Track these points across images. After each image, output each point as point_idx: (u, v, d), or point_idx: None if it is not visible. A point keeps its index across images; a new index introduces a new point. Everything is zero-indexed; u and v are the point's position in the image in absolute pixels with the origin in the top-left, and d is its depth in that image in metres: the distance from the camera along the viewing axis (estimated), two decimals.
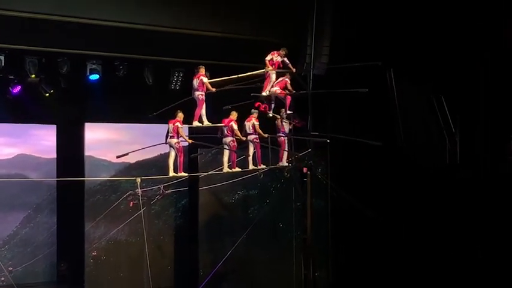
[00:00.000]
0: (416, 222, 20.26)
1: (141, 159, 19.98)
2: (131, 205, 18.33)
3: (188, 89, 18.69)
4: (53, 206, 19.57)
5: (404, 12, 19.96)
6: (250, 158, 16.81)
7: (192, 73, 18.99)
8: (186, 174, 16.87)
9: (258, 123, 16.66)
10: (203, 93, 16.00)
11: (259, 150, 16.81)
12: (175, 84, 19.47)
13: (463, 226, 19.87)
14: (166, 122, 16.19)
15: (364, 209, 18.08)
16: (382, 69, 20.11)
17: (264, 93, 16.55)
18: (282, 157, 17.17)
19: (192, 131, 17.07)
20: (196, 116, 15.99)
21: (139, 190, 16.96)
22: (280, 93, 16.66)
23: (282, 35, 18.33)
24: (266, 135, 16.78)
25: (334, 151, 20.55)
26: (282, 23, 19.03)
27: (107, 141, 20.08)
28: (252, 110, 16.81)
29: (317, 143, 17.62)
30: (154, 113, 16.83)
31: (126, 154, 17.60)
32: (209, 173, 18.79)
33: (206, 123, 16.06)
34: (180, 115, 15.98)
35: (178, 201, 20.90)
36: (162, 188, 18.97)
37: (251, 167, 16.80)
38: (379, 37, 19.93)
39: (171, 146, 16.02)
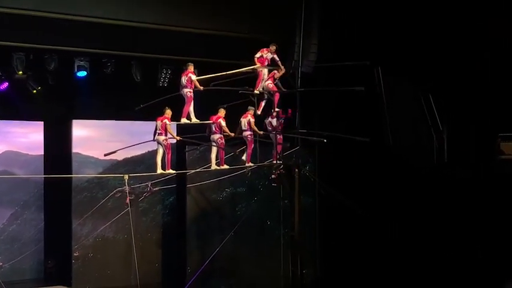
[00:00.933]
0: (404, 220, 20.31)
1: (128, 156, 19.93)
2: (127, 200, 18.30)
3: (176, 86, 18.77)
4: (40, 203, 19.52)
5: (392, 10, 20.01)
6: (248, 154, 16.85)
7: (180, 70, 19.04)
8: (174, 172, 16.88)
9: (253, 120, 16.67)
10: (191, 91, 16.00)
11: (251, 148, 16.82)
12: (163, 81, 19.45)
13: (450, 224, 19.95)
14: (154, 119, 16.17)
15: (352, 206, 18.12)
16: (370, 67, 20.14)
17: (256, 91, 16.57)
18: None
19: (180, 128, 17.04)
20: (185, 113, 15.98)
21: (127, 187, 16.94)
22: (272, 88, 16.65)
23: (270, 32, 18.33)
24: (261, 133, 16.81)
25: (322, 148, 20.54)
26: (270, 21, 19.05)
27: (94, 138, 20.00)
28: (249, 107, 16.82)
29: (305, 141, 17.64)
30: (141, 105, 16.78)
31: (114, 152, 17.59)
32: (197, 170, 18.80)
33: (194, 120, 16.06)
34: (168, 112, 15.98)
35: (166, 198, 20.87)
36: (149, 185, 18.94)
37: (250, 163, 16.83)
38: (367, 35, 19.97)
39: (159, 143, 16.01)
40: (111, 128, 20.13)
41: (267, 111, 17.05)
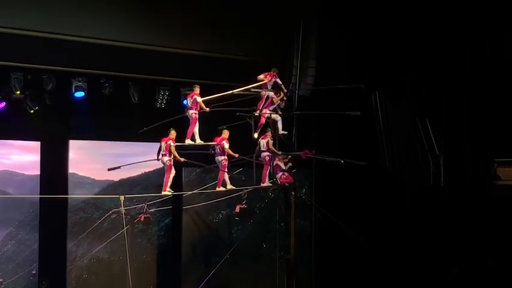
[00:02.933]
0: (400, 243, 20.29)
1: (125, 177, 19.91)
2: (142, 219, 18.22)
3: (173, 107, 18.86)
4: (35, 223, 19.42)
5: (391, 34, 20.12)
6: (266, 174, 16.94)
7: (177, 91, 19.17)
8: (172, 192, 16.84)
9: (272, 141, 16.74)
10: (196, 112, 16.07)
11: (267, 168, 16.90)
12: (161, 102, 19.46)
13: (447, 247, 19.94)
14: (151, 140, 16.18)
15: (348, 230, 18.10)
16: (368, 90, 20.22)
17: (256, 113, 16.64)
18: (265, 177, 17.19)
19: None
20: (189, 134, 16.06)
21: (123, 208, 16.90)
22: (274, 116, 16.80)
23: (268, 55, 18.41)
24: (280, 153, 16.89)
25: (318, 171, 20.56)
26: (267, 43, 19.13)
27: (91, 159, 19.99)
28: (267, 129, 16.91)
29: (301, 163, 17.66)
30: (145, 128, 16.81)
31: (118, 167, 17.57)
32: (195, 191, 18.77)
33: (198, 141, 16.13)
34: (173, 133, 16.03)
35: (161, 219, 20.81)
36: (145, 206, 18.89)
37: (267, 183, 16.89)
38: (365, 58, 20.05)
39: (163, 163, 16.06)
40: (108, 149, 20.10)
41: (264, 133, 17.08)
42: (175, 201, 20.08)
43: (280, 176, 16.83)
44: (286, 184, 17.04)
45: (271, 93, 16.75)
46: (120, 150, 20.11)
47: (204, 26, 18.35)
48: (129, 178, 20.00)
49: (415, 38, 20.33)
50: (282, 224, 18.64)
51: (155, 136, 16.85)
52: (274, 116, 16.85)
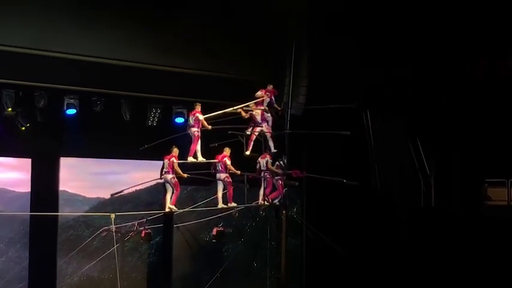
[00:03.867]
0: (391, 263, 20.27)
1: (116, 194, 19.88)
2: (143, 235, 18.19)
3: (165, 125, 18.88)
4: (25, 241, 19.32)
5: (382, 54, 20.22)
6: (261, 192, 17.09)
7: (169, 109, 19.19)
8: (175, 208, 16.85)
9: (271, 160, 16.89)
10: (199, 130, 16.20)
11: (269, 187, 17.09)
12: (153, 120, 19.46)
13: (437, 268, 19.92)
14: (143, 158, 16.20)
15: (339, 249, 18.08)
16: (359, 110, 20.28)
17: (247, 132, 16.72)
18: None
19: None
20: (192, 152, 16.17)
21: (113, 226, 16.86)
22: (268, 131, 16.88)
23: (260, 74, 18.46)
24: (280, 171, 17.12)
25: (309, 190, 20.57)
26: (259, 62, 19.21)
27: (82, 176, 19.94)
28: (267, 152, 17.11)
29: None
30: (146, 146, 16.84)
31: (121, 192, 17.59)
32: (202, 208, 18.69)
33: (200, 158, 16.24)
34: (175, 150, 16.12)
35: (152, 238, 20.72)
36: (136, 224, 18.85)
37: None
38: (357, 78, 20.13)
39: (166, 181, 16.08)
40: (99, 166, 20.07)
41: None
42: (166, 219, 20.03)
43: (270, 192, 16.99)
44: (276, 202, 17.13)
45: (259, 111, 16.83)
46: (108, 168, 20.08)
47: (196, 45, 18.42)
48: (119, 196, 19.93)
49: (406, 56, 20.43)
50: (273, 243, 18.63)
51: (147, 154, 16.88)
52: (265, 134, 16.90)
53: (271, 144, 17.16)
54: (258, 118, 16.83)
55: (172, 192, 16.16)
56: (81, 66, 17.21)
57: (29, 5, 16.43)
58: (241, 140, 16.81)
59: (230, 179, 16.53)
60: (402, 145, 21.45)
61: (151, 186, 20.07)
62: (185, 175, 16.25)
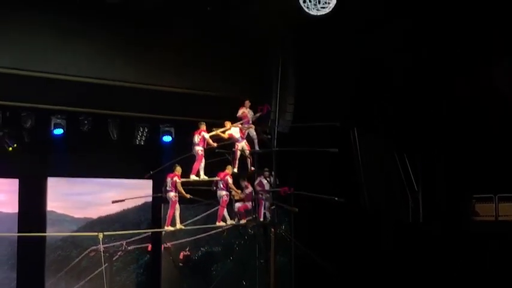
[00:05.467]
0: (380, 279, 20.27)
1: (103, 214, 19.82)
2: (181, 257, 18.09)
3: (152, 144, 18.89)
4: (13, 262, 19.21)
5: (369, 71, 20.33)
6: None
7: (156, 128, 19.21)
8: (172, 228, 16.80)
9: (231, 179, 16.90)
10: (203, 149, 16.17)
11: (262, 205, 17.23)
12: (140, 139, 19.47)
13: (426, 282, 19.95)
14: (128, 177, 16.16)
15: (328, 266, 18.07)
16: (346, 127, 20.36)
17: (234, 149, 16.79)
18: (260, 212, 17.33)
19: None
20: (194, 170, 16.15)
21: (101, 246, 16.81)
22: (248, 149, 16.89)
23: (247, 92, 18.49)
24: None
25: (298, 208, 20.54)
26: (246, 80, 19.28)
27: (69, 196, 19.88)
28: (265, 169, 17.13)
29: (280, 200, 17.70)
30: (151, 172, 16.86)
31: (123, 200, 17.53)
32: (204, 226, 18.62)
33: (203, 177, 16.20)
34: (178, 169, 16.05)
35: (140, 257, 20.66)
36: (124, 244, 18.80)
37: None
38: (344, 95, 20.21)
39: (169, 199, 16.04)
40: (87, 186, 20.02)
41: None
42: (154, 238, 19.99)
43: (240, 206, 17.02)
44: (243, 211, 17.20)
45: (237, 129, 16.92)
46: (95, 188, 20.05)
47: (183, 64, 18.49)
48: (107, 216, 19.90)
49: (393, 74, 20.54)
50: (261, 261, 18.55)
51: (136, 173, 16.88)
52: (247, 151, 16.95)
53: (248, 162, 17.17)
54: (237, 136, 16.82)
55: (180, 210, 16.11)
56: (67, 86, 17.20)
57: (14, 25, 16.45)
58: (229, 157, 16.82)
59: (228, 198, 16.49)
60: (390, 162, 21.52)
61: (139, 206, 20.07)
62: (188, 196, 16.17)
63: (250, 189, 17.19)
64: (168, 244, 18.04)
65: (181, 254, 17.77)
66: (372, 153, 21.50)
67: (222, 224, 16.78)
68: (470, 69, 20.50)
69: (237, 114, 16.83)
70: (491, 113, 20.73)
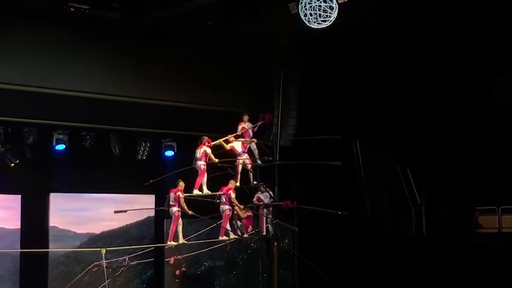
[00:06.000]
0: None
1: (106, 230, 19.80)
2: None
3: (155, 159, 18.89)
4: (16, 278, 19.15)
5: (371, 84, 20.34)
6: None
7: (159, 143, 19.21)
8: (175, 243, 16.76)
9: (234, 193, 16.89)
10: (205, 163, 16.10)
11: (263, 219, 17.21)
12: (142, 154, 19.48)
13: None
14: (131, 192, 16.14)
15: (331, 280, 18.00)
16: (348, 140, 20.34)
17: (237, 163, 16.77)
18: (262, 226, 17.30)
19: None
20: (197, 185, 16.06)
21: (104, 261, 16.77)
22: (250, 163, 16.86)
23: (249, 106, 18.50)
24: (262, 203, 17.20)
25: (301, 221, 20.51)
26: (249, 94, 19.30)
27: (72, 212, 19.85)
28: (261, 183, 17.12)
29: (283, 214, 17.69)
30: (151, 180, 16.76)
31: (125, 211, 17.45)
32: (209, 240, 18.57)
33: (206, 191, 16.12)
34: (181, 184, 15.97)
35: (143, 272, 20.57)
36: (127, 259, 18.76)
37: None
38: (346, 108, 20.21)
39: (172, 214, 15.98)
40: (89, 201, 20.00)
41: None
42: (157, 253, 19.95)
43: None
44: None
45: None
46: (98, 203, 20.03)
47: (185, 78, 18.53)
48: (109, 231, 19.87)
49: (396, 87, 20.55)
50: (265, 275, 18.51)
51: (138, 188, 16.86)
52: (249, 165, 16.92)
53: (250, 176, 17.12)
54: (239, 150, 16.80)
55: (183, 225, 16.07)
56: (69, 101, 17.23)
57: (16, 41, 16.50)
58: (231, 172, 16.80)
59: (230, 213, 16.43)
60: (392, 174, 21.49)
61: (141, 220, 20.05)
62: (190, 212, 16.12)
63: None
64: (179, 257, 17.95)
65: (178, 271, 17.75)
66: (374, 166, 21.47)
67: (224, 238, 16.72)
68: (473, 82, 20.53)
69: (237, 132, 16.77)
70: (493, 125, 20.74)
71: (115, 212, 17.39)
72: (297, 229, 17.32)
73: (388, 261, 20.82)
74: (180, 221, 15.93)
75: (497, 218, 20.33)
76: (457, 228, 20.53)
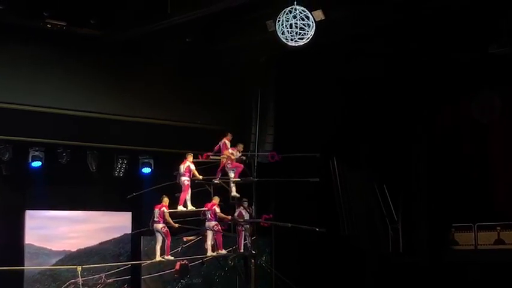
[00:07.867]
0: None
1: (82, 247, 19.65)
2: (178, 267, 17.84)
3: (132, 176, 18.82)
4: None
5: (348, 103, 20.46)
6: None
7: (136, 160, 19.16)
8: (173, 258, 16.70)
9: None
10: (189, 179, 16.11)
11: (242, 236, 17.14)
12: (119, 171, 19.42)
13: None
14: (109, 210, 16.07)
15: None
16: (325, 158, 20.39)
17: (216, 181, 16.68)
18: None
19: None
20: (181, 201, 16.09)
21: (80, 279, 16.65)
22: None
23: (227, 123, 18.53)
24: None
25: (278, 239, 20.52)
26: (226, 112, 19.34)
27: (48, 229, 19.69)
28: (243, 199, 17.05)
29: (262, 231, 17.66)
30: (134, 193, 16.78)
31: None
32: (195, 257, 18.47)
33: (190, 207, 16.14)
34: (166, 200, 15.98)
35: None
36: (103, 276, 18.63)
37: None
38: (323, 126, 20.29)
39: (157, 230, 15.91)
40: (65, 219, 19.86)
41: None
42: (134, 271, 19.82)
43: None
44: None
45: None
46: (75, 220, 19.91)
47: (163, 95, 18.58)
48: (86, 248, 19.73)
49: (373, 104, 20.68)
50: None
51: (115, 204, 16.75)
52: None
53: (233, 189, 17.07)
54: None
55: (163, 242, 15.98)
56: (46, 118, 17.19)
57: None
58: (209, 189, 16.78)
59: (219, 227, 16.40)
60: (369, 192, 21.58)
61: (118, 238, 19.93)
62: (176, 225, 16.11)
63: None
64: (185, 261, 17.80)
65: (178, 263, 17.45)
66: (351, 183, 21.56)
67: (210, 254, 16.63)
68: (451, 101, 20.69)
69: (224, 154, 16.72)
70: (470, 143, 20.90)
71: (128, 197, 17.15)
72: (289, 225, 17.16)
73: (365, 277, 20.84)
74: (160, 238, 15.89)
75: (473, 234, 20.43)
76: (434, 245, 20.61)
